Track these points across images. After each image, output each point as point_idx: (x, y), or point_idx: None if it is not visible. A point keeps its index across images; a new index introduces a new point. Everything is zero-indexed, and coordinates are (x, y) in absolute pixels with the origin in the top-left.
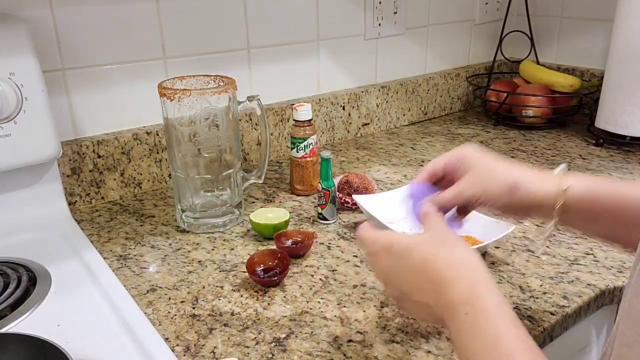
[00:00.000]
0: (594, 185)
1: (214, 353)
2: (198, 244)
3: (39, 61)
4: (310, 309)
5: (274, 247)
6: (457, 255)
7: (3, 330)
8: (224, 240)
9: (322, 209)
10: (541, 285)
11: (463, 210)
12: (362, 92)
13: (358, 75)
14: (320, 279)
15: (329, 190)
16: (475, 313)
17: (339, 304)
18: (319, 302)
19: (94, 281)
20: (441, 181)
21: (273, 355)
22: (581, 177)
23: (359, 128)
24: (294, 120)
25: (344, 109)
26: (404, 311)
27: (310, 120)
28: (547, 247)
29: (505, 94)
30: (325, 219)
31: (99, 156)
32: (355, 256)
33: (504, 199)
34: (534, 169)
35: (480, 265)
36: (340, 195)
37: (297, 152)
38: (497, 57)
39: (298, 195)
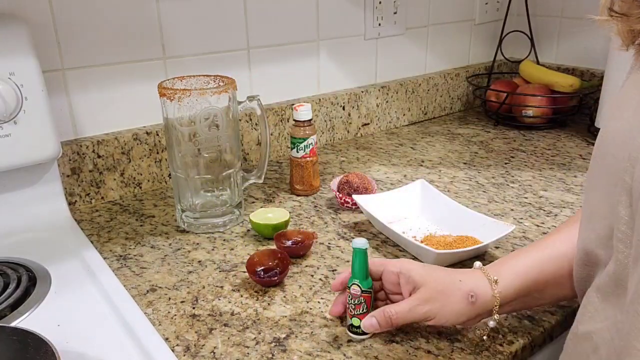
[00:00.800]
0: (519, 271)
1: (214, 353)
2: (198, 244)
3: (39, 61)
4: (310, 309)
5: (274, 247)
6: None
7: None
8: (224, 240)
9: (361, 320)
10: None
11: None
12: (362, 92)
13: (358, 75)
14: (320, 279)
15: (370, 293)
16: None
17: None
18: (319, 302)
19: (94, 281)
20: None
21: (273, 355)
22: (503, 268)
23: (359, 128)
24: (294, 120)
25: (344, 109)
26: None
27: (310, 120)
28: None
29: (505, 94)
30: (365, 333)
31: (99, 156)
32: None
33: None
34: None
35: None
36: (340, 195)
37: (297, 152)
38: (497, 57)
39: (298, 195)
